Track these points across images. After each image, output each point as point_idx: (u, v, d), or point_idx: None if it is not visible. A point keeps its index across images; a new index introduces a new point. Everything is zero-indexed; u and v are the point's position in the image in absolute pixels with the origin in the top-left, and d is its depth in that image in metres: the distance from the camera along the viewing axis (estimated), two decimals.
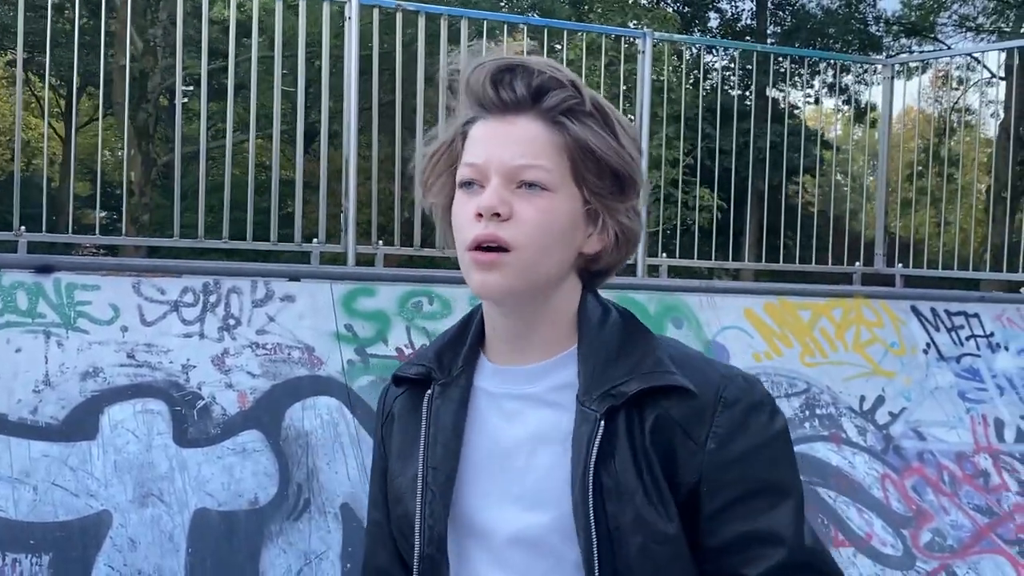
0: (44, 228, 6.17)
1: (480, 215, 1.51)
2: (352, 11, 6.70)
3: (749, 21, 32.29)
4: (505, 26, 8.15)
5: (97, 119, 24.71)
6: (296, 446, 5.12)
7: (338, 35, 7.23)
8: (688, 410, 1.53)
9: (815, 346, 6.47)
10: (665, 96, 9.11)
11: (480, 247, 1.51)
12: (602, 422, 1.52)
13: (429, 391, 1.68)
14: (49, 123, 25.38)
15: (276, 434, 5.11)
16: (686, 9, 30.17)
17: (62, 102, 24.48)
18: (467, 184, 1.55)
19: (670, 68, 9.56)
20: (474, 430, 1.65)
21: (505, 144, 1.52)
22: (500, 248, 1.50)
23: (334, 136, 8.28)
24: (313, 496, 5.04)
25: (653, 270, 7.66)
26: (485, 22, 7.78)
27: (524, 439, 1.60)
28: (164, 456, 4.84)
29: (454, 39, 7.25)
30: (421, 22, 6.97)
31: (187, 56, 10.74)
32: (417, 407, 1.69)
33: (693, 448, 1.51)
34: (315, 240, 6.62)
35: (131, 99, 23.40)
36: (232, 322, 5.26)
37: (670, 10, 26.07)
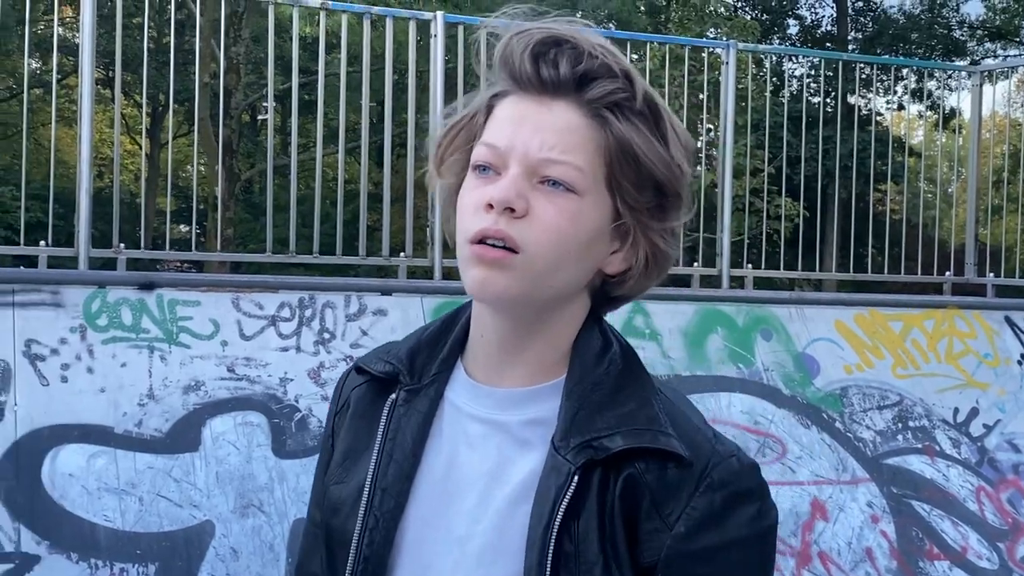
0: (142, 245, 6.33)
1: (491, 206, 1.27)
2: (438, 28, 6.78)
3: (829, 27, 31.97)
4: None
5: (182, 135, 25.22)
6: None
7: (421, 49, 7.33)
8: (665, 479, 1.28)
9: (907, 358, 6.41)
10: (748, 105, 9.05)
11: (485, 241, 1.27)
12: (575, 478, 1.28)
13: (393, 395, 1.43)
14: (135, 140, 26.00)
15: None
16: (765, 16, 29.97)
17: (147, 119, 25.00)
18: (481, 167, 1.31)
19: (750, 76, 9.50)
20: (432, 450, 1.40)
21: (535, 130, 1.28)
22: (508, 247, 1.27)
23: (419, 149, 8.38)
24: None
25: (737, 281, 7.63)
26: None
27: (482, 474, 1.36)
28: (264, 467, 4.95)
29: None
30: (460, 32, 7.04)
31: (282, 71, 10.98)
32: (376, 409, 1.44)
33: (659, 525, 1.27)
34: (402, 254, 6.70)
35: (215, 115, 23.88)
36: (327, 336, 5.36)
37: (749, 17, 25.91)
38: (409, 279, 6.47)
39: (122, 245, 6.07)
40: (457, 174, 1.37)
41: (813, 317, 6.37)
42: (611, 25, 22.73)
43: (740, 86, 9.38)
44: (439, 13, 6.93)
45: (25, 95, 7.70)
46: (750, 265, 8.05)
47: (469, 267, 1.29)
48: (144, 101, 13.52)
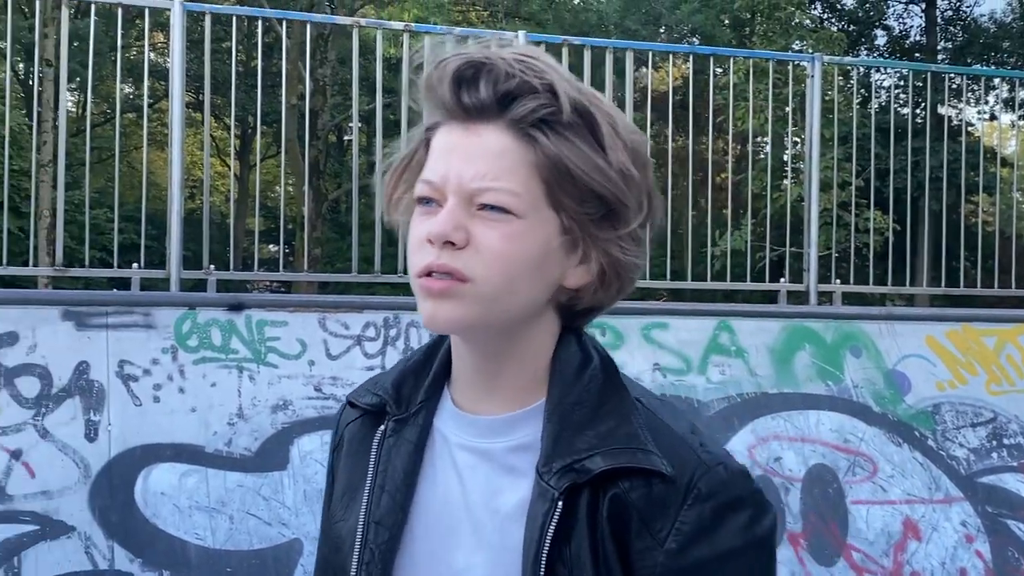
0: (231, 266, 6.43)
1: (431, 241, 1.26)
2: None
3: (918, 38, 31.42)
4: (671, 56, 8.13)
5: (270, 156, 25.64)
6: None
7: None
8: (651, 496, 1.26)
9: (1001, 374, 6.25)
10: (835, 117, 8.94)
11: (432, 274, 1.26)
12: (560, 503, 1.26)
13: (382, 427, 1.43)
14: (225, 161, 26.50)
15: None
16: (852, 28, 29.56)
17: (236, 141, 25.46)
18: (424, 201, 1.29)
19: (837, 88, 9.37)
20: (426, 481, 1.39)
21: (466, 159, 1.26)
22: (457, 278, 1.26)
23: None
24: None
25: (826, 297, 7.51)
26: (650, 53, 7.78)
27: (475, 505, 1.35)
28: None
29: (618, 69, 7.29)
30: (587, 55, 7.04)
31: (366, 93, 11.11)
32: (368, 442, 1.44)
33: (650, 543, 1.25)
34: None
35: (301, 137, 24.25)
36: None
37: (835, 29, 25.58)
38: None
39: (212, 266, 6.19)
40: (409, 211, 1.34)
41: (904, 333, 6.24)
42: (695, 40, 22.64)
43: (827, 98, 9.26)
44: (521, 33, 6.97)
45: (117, 119, 7.86)
46: (838, 280, 7.91)
47: (420, 301, 1.29)
48: (233, 123, 13.75)
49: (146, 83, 7.63)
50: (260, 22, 7.24)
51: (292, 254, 20.61)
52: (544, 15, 21.76)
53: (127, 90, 23.55)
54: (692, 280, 7.67)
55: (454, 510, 1.36)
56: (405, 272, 6.49)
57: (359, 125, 19.24)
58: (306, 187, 9.06)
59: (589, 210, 1.29)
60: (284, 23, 7.41)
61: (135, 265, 6.05)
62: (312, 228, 20.70)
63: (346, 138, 22.18)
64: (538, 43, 7.09)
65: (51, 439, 4.83)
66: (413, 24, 7.05)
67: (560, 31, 19.76)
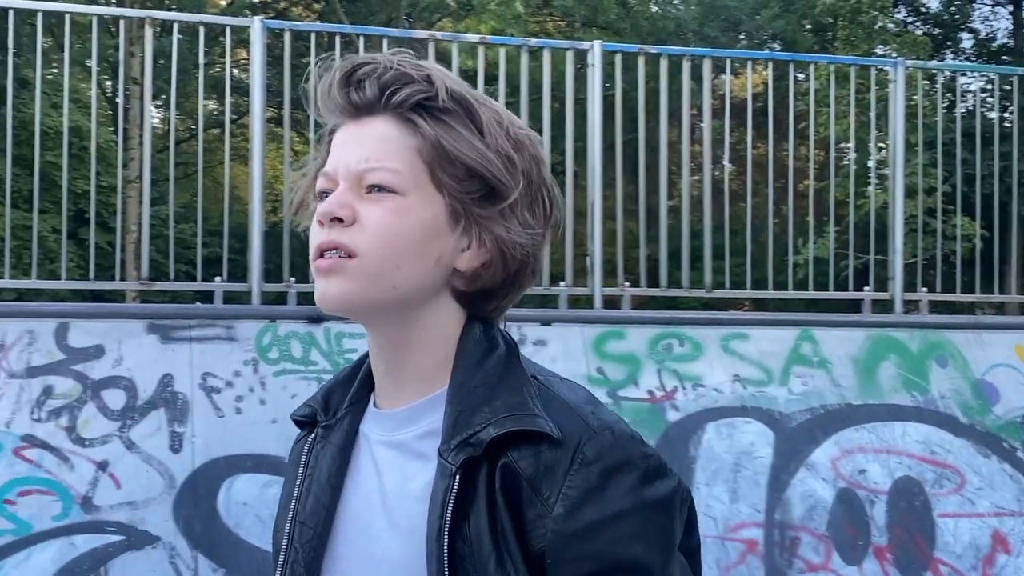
0: (309, 279, 6.48)
1: (321, 222, 1.34)
2: (595, 57, 6.79)
3: (1006, 40, 30.71)
4: (748, 63, 8.05)
5: None
6: None
7: (579, 78, 7.35)
8: (539, 463, 1.27)
9: None
10: (920, 122, 8.75)
11: (324, 255, 1.33)
12: (457, 477, 1.28)
13: (312, 435, 1.49)
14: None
15: None
16: (936, 31, 29.01)
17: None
18: (323, 194, 1.37)
19: (922, 92, 9.18)
20: (351, 483, 1.43)
21: (355, 146, 1.36)
22: (344, 253, 1.32)
23: (577, 177, 8.39)
24: None
25: (912, 305, 7.35)
26: (728, 60, 7.71)
27: (388, 494, 1.38)
28: None
29: (696, 76, 7.23)
30: (663, 64, 6.99)
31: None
32: (301, 453, 1.49)
33: (541, 510, 1.25)
34: (562, 283, 6.69)
35: None
36: None
37: (920, 33, 25.14)
38: (570, 309, 6.47)
39: (293, 279, 6.25)
40: (297, 216, 1.45)
41: (992, 342, 6.09)
42: (776, 45, 22.40)
43: (912, 103, 9.10)
44: (596, 43, 6.94)
45: (200, 135, 7.97)
46: (924, 288, 7.74)
47: (317, 282, 1.35)
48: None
49: (228, 99, 7.72)
50: (338, 38, 7.30)
51: None
52: (621, 24, 21.67)
53: (211, 106, 23.96)
54: (773, 289, 7.58)
55: (373, 504, 1.39)
56: None
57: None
58: None
59: (469, 188, 1.36)
60: (362, 38, 7.45)
61: (218, 278, 6.13)
62: None
63: None
64: (613, 52, 7.07)
65: (136, 450, 4.92)
66: (489, 37, 7.07)
67: (637, 40, 19.64)
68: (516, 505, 1.27)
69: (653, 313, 6.35)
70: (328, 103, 1.39)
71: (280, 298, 6.24)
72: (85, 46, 16.88)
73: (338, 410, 1.48)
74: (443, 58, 7.90)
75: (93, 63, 8.65)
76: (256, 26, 6.31)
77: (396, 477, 1.38)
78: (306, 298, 6.33)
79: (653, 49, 7.26)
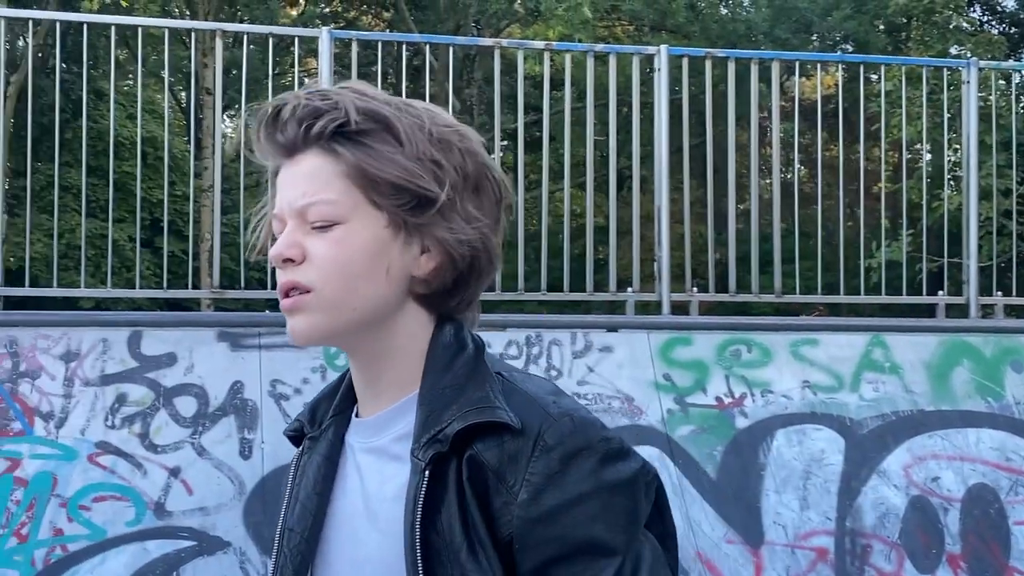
0: None
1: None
2: (662, 61, 6.76)
3: None
4: (818, 65, 7.96)
5: None
6: None
7: (646, 82, 7.32)
8: (502, 453, 1.31)
9: None
10: (994, 123, 8.58)
11: (286, 295, 1.40)
12: (427, 473, 1.33)
13: (300, 447, 1.57)
14: None
15: None
16: (1013, 30, 28.41)
17: None
18: (274, 238, 1.44)
19: (997, 93, 9.01)
20: (338, 491, 1.48)
21: (292, 185, 1.41)
22: (301, 290, 1.38)
23: (645, 181, 8.35)
24: None
25: (988, 309, 7.20)
26: (797, 63, 7.62)
27: (370, 497, 1.44)
28: None
29: (765, 79, 7.17)
30: (731, 67, 6.94)
31: (502, 112, 11.21)
32: (293, 464, 1.58)
33: (507, 498, 1.30)
34: (629, 288, 6.66)
35: None
36: (554, 373, 5.39)
37: (995, 32, 24.64)
38: (637, 315, 6.44)
39: None
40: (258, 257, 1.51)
41: None
42: (848, 47, 22.10)
43: (987, 103, 8.92)
44: (663, 47, 6.91)
45: None
46: (1000, 292, 7.58)
47: (287, 322, 1.41)
48: None
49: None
50: (404, 46, 7.37)
51: None
52: (691, 27, 21.50)
53: None
54: (845, 294, 7.47)
55: (357, 509, 1.44)
56: (549, 290, 6.50)
57: (504, 143, 19.42)
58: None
59: (401, 201, 1.40)
60: (428, 46, 7.51)
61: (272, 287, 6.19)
62: None
63: (492, 156, 22.35)
64: (680, 56, 7.02)
65: (208, 457, 4.99)
66: (555, 43, 7.06)
67: (707, 43, 19.49)
68: (483, 495, 1.32)
69: (720, 319, 6.31)
70: (261, 148, 1.45)
71: None
72: (159, 58, 17.16)
73: (323, 421, 1.54)
74: (512, 64, 7.91)
75: (165, 74, 8.82)
76: (324, 36, 6.38)
77: (376, 480, 1.44)
78: None
79: (720, 53, 7.22)
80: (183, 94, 23.99)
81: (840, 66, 8.23)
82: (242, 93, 7.16)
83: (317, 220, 1.38)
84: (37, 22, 8.42)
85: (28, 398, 4.83)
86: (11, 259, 15.72)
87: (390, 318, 1.43)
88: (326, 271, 1.37)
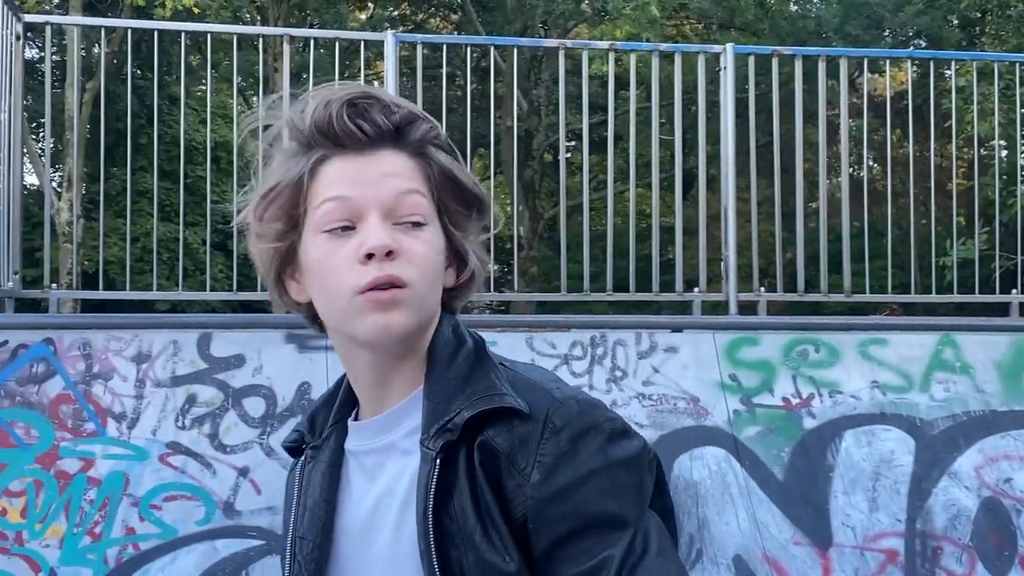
0: None
1: (369, 256, 1.37)
2: (727, 60, 6.72)
3: None
4: (887, 61, 7.84)
5: (486, 178, 26.15)
6: (686, 496, 5.15)
7: (713, 80, 7.27)
8: (513, 437, 1.36)
9: None
10: None
11: (380, 288, 1.38)
12: (438, 461, 1.37)
13: (302, 457, 1.59)
14: None
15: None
16: None
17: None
18: (341, 227, 1.40)
19: None
20: (344, 499, 1.52)
21: (379, 179, 1.40)
22: (397, 285, 1.38)
23: (712, 181, 8.28)
24: (705, 547, 5.04)
25: None
26: (866, 60, 7.52)
27: (383, 495, 1.47)
28: None
29: (832, 74, 7.08)
30: (798, 64, 6.87)
31: (569, 112, 11.21)
32: (297, 474, 1.60)
33: (519, 480, 1.34)
34: (696, 289, 6.62)
35: (517, 157, 24.59)
36: (619, 374, 5.38)
37: None
38: (704, 315, 6.40)
39: None
40: (277, 240, 1.46)
41: None
42: (920, 43, 21.74)
43: None
44: (729, 45, 6.86)
45: None
46: None
47: (366, 316, 1.39)
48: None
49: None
50: (468, 49, 7.41)
51: (512, 274, 20.92)
52: (759, 24, 21.27)
53: None
54: (916, 293, 7.36)
55: (366, 510, 1.48)
56: (615, 290, 6.48)
57: (573, 143, 19.41)
58: (513, 207, 9.16)
59: (469, 211, 1.48)
60: (493, 48, 7.54)
61: None
62: (529, 247, 20.98)
63: (562, 156, 22.33)
64: (746, 54, 6.97)
65: (275, 457, 5.05)
66: (619, 43, 7.05)
67: (776, 40, 19.27)
68: (496, 479, 1.36)
69: (786, 318, 6.25)
70: (324, 131, 1.42)
71: None
72: (230, 63, 17.42)
73: (323, 430, 1.57)
74: (579, 64, 7.90)
75: (235, 79, 8.95)
76: (389, 40, 6.43)
77: (388, 477, 1.47)
78: None
79: (787, 50, 7.14)
80: (254, 99, 24.31)
81: (908, 62, 8.10)
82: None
83: (414, 215, 1.41)
84: (110, 30, 8.64)
85: (101, 399, 4.93)
86: (86, 263, 16.08)
87: (433, 320, 1.47)
88: (421, 269, 1.39)
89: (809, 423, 5.43)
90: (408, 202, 1.41)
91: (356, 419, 1.55)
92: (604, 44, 7.25)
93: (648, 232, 7.64)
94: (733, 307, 6.46)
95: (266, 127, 1.51)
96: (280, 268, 1.49)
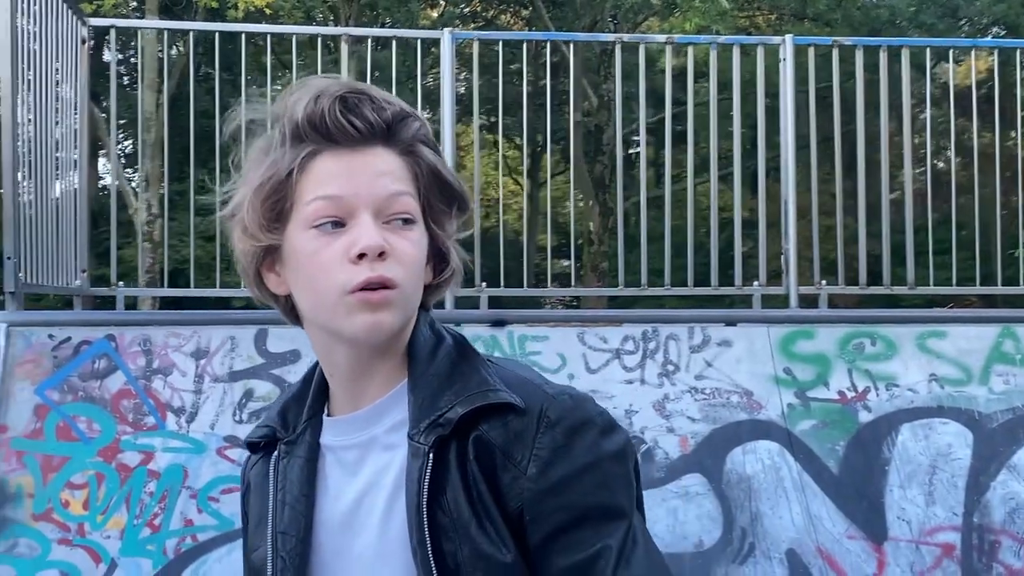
0: (502, 283, 6.59)
1: (361, 256, 1.37)
2: (787, 51, 6.67)
3: None
4: (951, 51, 7.71)
5: (559, 173, 26.14)
6: (739, 490, 5.14)
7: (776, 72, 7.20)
8: (508, 432, 1.38)
9: None
10: None
11: (364, 288, 1.38)
12: (431, 455, 1.38)
13: (275, 452, 1.57)
14: (517, 180, 27.26)
15: (718, 478, 5.16)
16: None
17: (527, 160, 26.08)
18: (331, 222, 1.39)
19: None
20: (322, 494, 1.51)
21: (371, 176, 1.40)
22: (387, 286, 1.39)
23: (775, 173, 8.21)
24: (758, 540, 5.03)
25: None
26: (928, 49, 7.42)
27: (365, 489, 1.47)
28: None
29: (914, 64, 6.97)
30: (859, 55, 6.79)
31: (632, 107, 11.16)
32: (267, 472, 1.57)
33: (515, 473, 1.37)
34: (756, 282, 6.58)
35: (587, 152, 24.60)
36: (671, 368, 5.38)
37: None
38: (763, 308, 6.35)
39: (484, 283, 6.37)
40: (263, 232, 1.45)
41: None
42: (999, 31, 21.28)
43: None
44: (788, 37, 6.81)
45: None
46: None
47: (354, 314, 1.39)
48: (500, 142, 14.12)
49: (418, 105, 7.94)
50: (525, 45, 7.44)
51: (583, 270, 20.92)
52: (832, 15, 20.94)
53: (426, 115, 24.68)
54: (982, 284, 7.23)
55: (349, 503, 1.49)
56: (673, 284, 6.45)
57: (634, 138, 19.32)
58: (571, 203, 9.17)
59: (451, 209, 1.50)
60: (549, 44, 7.57)
61: None
62: (599, 243, 20.96)
63: (631, 151, 22.25)
64: (806, 45, 6.91)
65: None
66: (676, 36, 7.01)
67: (850, 30, 19.02)
68: (491, 472, 1.38)
69: (841, 311, 6.19)
70: (315, 126, 1.41)
71: (464, 302, 6.38)
72: (304, 62, 17.63)
73: (296, 425, 1.56)
74: (651, 57, 7.88)
75: (293, 75, 9.04)
76: (446, 37, 6.49)
77: (370, 471, 1.48)
78: (496, 302, 6.47)
79: (848, 41, 7.07)
80: None
81: (972, 52, 7.95)
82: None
83: (404, 213, 1.41)
84: (184, 32, 8.88)
85: (161, 394, 5.06)
86: (152, 261, 16.43)
87: (413, 317, 1.49)
88: (408, 270, 1.40)
89: (865, 417, 5.38)
90: (399, 202, 1.41)
91: (329, 414, 1.55)
92: (661, 37, 7.22)
93: (720, 226, 7.59)
94: (794, 301, 6.41)
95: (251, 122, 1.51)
96: (260, 260, 1.48)
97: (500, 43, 7.28)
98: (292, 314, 1.53)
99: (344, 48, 6.66)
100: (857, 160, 6.81)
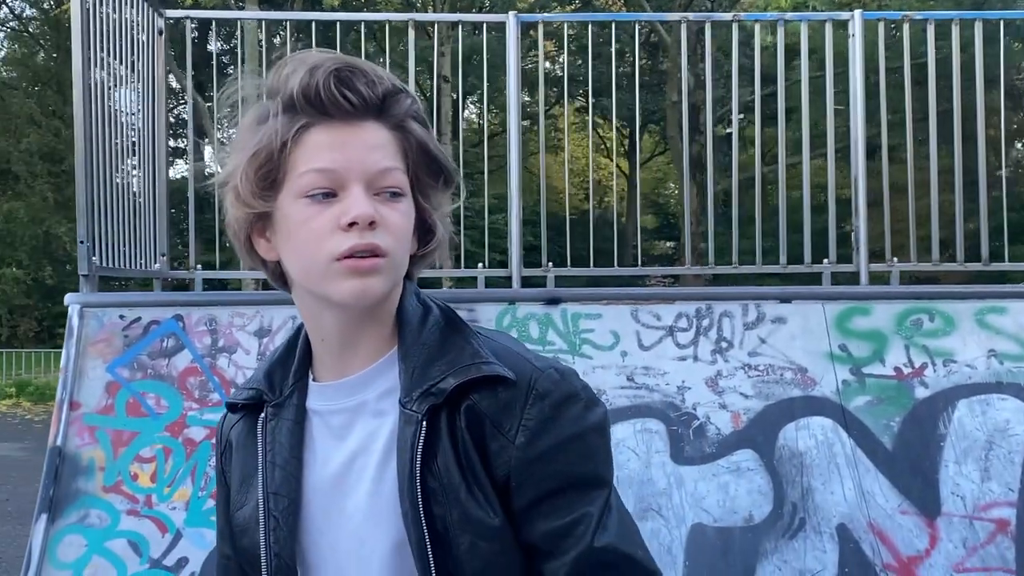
0: (568, 263, 6.68)
1: (351, 224, 1.43)
2: (855, 27, 6.63)
3: None
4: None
5: (657, 154, 25.99)
6: (790, 466, 5.17)
7: (891, 47, 7.12)
8: (498, 402, 1.47)
9: None
10: None
11: (353, 255, 1.44)
12: (424, 423, 1.46)
13: (262, 414, 1.62)
14: (616, 163, 27.21)
15: (770, 453, 5.20)
16: None
17: (626, 141, 25.99)
18: (323, 192, 1.45)
19: None
20: (309, 457, 1.58)
21: (364, 149, 1.46)
22: (377, 254, 1.46)
23: (879, 150, 8.08)
24: (808, 516, 5.06)
25: None
26: (1002, 22, 7.27)
27: (355, 453, 1.54)
28: (662, 473, 5.13)
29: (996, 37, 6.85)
30: (930, 29, 6.70)
31: (723, 86, 11.13)
32: (253, 432, 1.63)
33: (503, 442, 1.46)
34: (825, 260, 6.55)
35: (685, 132, 24.29)
36: (724, 345, 5.44)
37: None
38: (831, 286, 6.33)
39: (550, 263, 6.47)
40: (256, 200, 1.50)
41: None
42: None
43: None
44: (857, 12, 6.75)
45: (512, 127, 8.21)
46: None
47: (341, 280, 1.46)
48: (591, 123, 14.18)
49: (541, 90, 8.03)
50: (590, 26, 7.50)
51: (680, 249, 20.84)
52: None
53: (525, 99, 24.76)
54: None
55: (337, 467, 1.56)
56: (789, 262, 6.46)
57: (741, 116, 19.12)
58: (685, 184, 9.21)
59: (437, 183, 1.56)
60: (613, 24, 7.63)
61: (480, 265, 6.42)
62: (699, 223, 20.83)
63: (726, 131, 22.05)
64: (877, 20, 6.84)
65: None
66: (742, 15, 7.01)
67: (953, 3, 18.53)
68: (480, 440, 1.47)
69: (898, 288, 6.13)
70: (310, 99, 1.46)
71: (541, 281, 6.48)
72: (402, 49, 17.92)
73: (283, 388, 1.63)
74: (745, 38, 7.87)
75: (385, 60, 9.23)
76: (511, 21, 6.58)
77: (359, 436, 1.55)
78: (562, 281, 6.58)
79: (918, 15, 6.98)
80: (428, 83, 24.88)
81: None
82: (483, 80, 7.43)
83: (394, 186, 1.48)
84: (282, 21, 9.15)
85: (225, 371, 5.29)
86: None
87: (399, 285, 1.57)
88: (396, 240, 1.48)
89: (921, 392, 5.36)
90: (389, 177, 1.48)
91: (315, 379, 1.62)
92: (727, 16, 7.22)
93: (817, 205, 7.52)
94: (864, 278, 6.37)
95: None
96: (251, 226, 1.54)
97: (588, 25, 7.36)
98: (280, 279, 1.60)
99: (411, 33, 6.79)
100: (954, 135, 6.73)
